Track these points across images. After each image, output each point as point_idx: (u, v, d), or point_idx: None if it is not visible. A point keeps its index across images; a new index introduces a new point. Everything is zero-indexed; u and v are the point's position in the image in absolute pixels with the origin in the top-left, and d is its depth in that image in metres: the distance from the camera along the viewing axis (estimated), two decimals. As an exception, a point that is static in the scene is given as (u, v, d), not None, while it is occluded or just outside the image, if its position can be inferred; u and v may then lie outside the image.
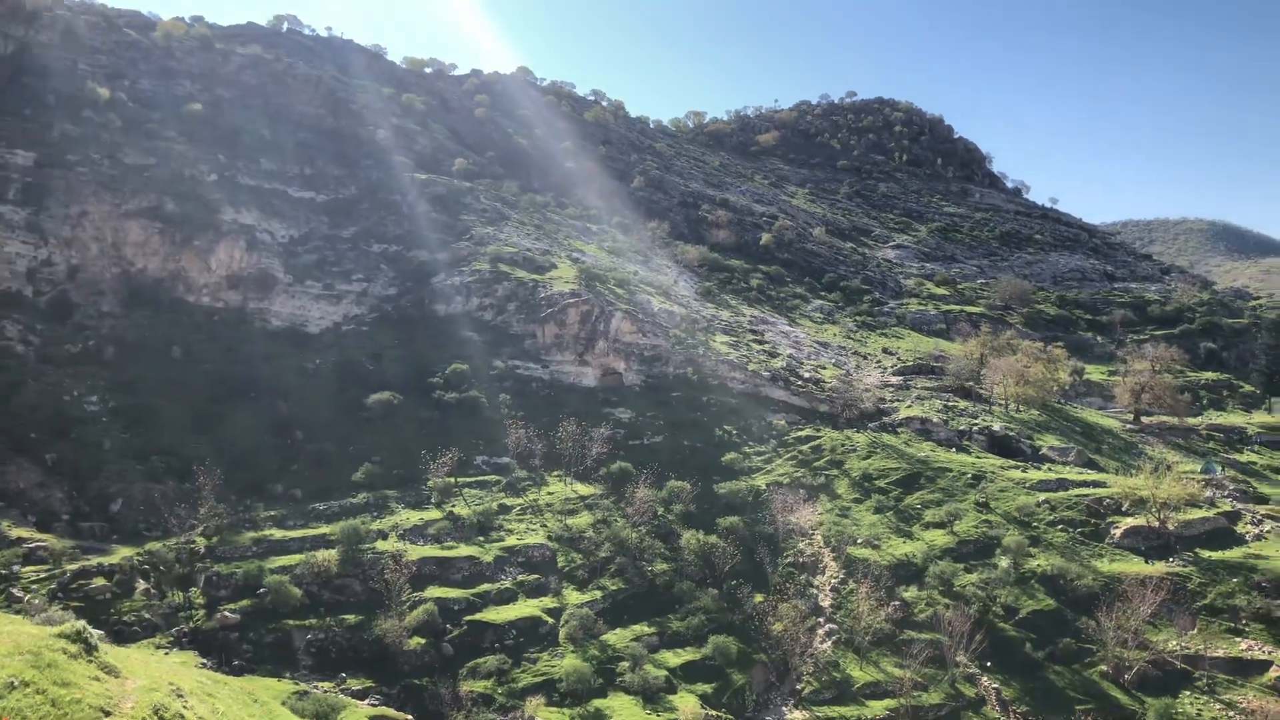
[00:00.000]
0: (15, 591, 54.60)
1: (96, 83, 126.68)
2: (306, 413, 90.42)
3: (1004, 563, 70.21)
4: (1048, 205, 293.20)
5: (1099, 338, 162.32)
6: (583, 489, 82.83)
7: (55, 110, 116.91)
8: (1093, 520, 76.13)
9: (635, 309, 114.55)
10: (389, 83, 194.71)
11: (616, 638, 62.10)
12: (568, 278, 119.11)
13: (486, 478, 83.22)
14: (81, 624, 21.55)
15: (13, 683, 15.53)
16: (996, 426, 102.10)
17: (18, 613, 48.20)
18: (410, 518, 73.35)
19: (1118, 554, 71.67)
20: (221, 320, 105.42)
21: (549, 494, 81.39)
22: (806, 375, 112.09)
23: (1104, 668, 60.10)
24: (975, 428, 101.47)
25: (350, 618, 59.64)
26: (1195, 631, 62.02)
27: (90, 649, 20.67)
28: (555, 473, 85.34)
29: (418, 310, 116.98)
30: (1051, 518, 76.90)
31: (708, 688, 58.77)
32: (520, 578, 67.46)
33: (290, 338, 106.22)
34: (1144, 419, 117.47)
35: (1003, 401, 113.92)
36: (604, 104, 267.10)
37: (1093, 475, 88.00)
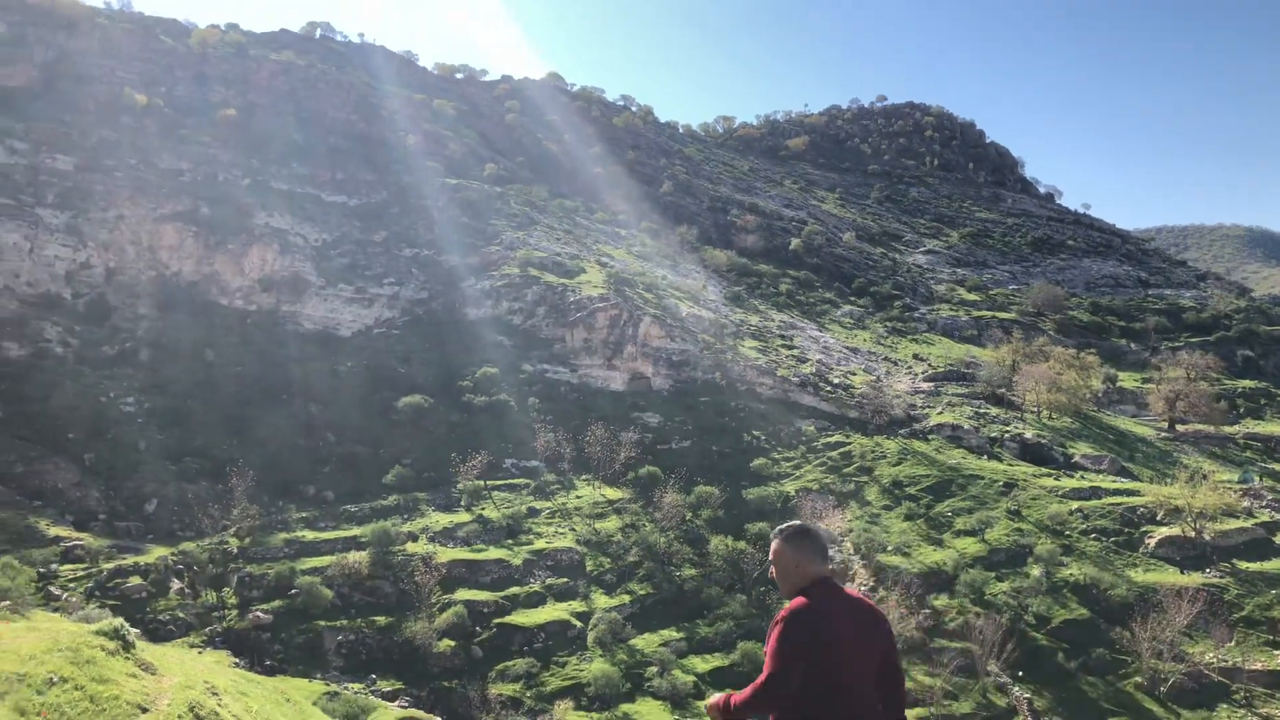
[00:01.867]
0: (53, 589, 55.36)
1: (133, 89, 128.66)
2: (338, 415, 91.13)
3: (1036, 571, 69.45)
4: (1080, 211, 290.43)
5: (1133, 345, 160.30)
6: (611, 493, 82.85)
7: (94, 116, 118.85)
8: (1127, 529, 75.17)
9: (663, 314, 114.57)
10: (420, 89, 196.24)
11: (645, 642, 62.01)
12: (596, 282, 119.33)
13: (515, 481, 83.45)
14: (119, 621, 21.81)
15: (52, 679, 15.71)
16: (1028, 434, 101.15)
17: (56, 610, 48.93)
18: (440, 520, 73.69)
19: (1152, 564, 70.71)
20: (254, 323, 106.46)
21: (577, 498, 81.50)
22: (836, 381, 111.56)
23: (1139, 679, 59.26)
24: (1007, 435, 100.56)
25: (381, 619, 59.98)
26: (1233, 644, 60.98)
27: (128, 646, 20.89)
28: (583, 476, 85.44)
29: (448, 314, 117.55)
30: (1084, 526, 76.02)
31: (736, 694, 58.51)
32: (549, 581, 67.54)
33: (322, 340, 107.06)
34: (1179, 427, 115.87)
35: (1035, 409, 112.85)
36: (633, 109, 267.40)
37: (1127, 484, 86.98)
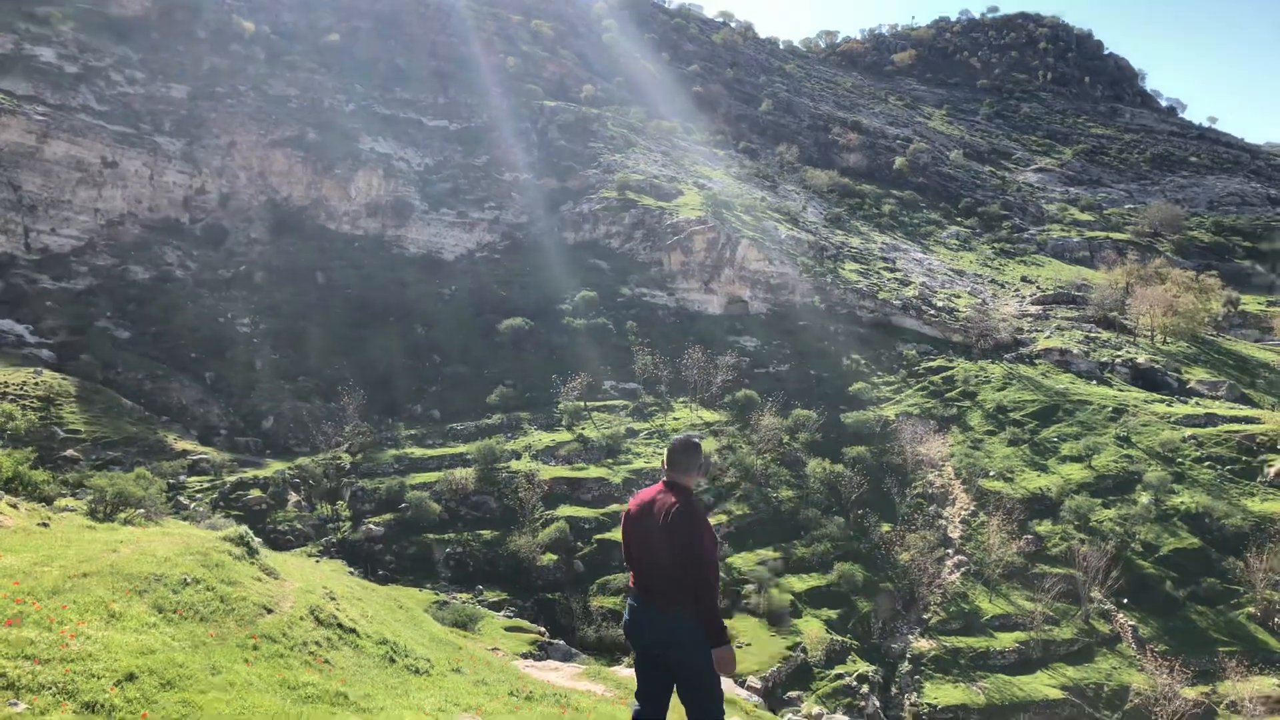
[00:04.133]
0: (182, 499, 58.64)
1: (241, 17, 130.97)
2: (443, 337, 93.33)
3: (1144, 499, 67.78)
4: (1205, 125, 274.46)
5: (1258, 266, 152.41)
6: (708, 415, 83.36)
7: (205, 44, 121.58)
8: (1244, 458, 72.50)
9: (762, 236, 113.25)
10: (518, 9, 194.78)
11: (742, 561, 62.85)
12: (694, 205, 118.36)
13: (614, 402, 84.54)
14: (244, 529, 23.05)
15: (186, 579, 16.79)
16: (1141, 359, 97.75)
17: (185, 518, 51.96)
18: (542, 439, 75.34)
19: (1271, 493, 68.23)
20: (361, 247, 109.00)
21: (675, 419, 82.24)
22: (940, 304, 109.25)
23: (1251, 610, 57.78)
24: (1118, 360, 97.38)
25: (486, 533, 62.02)
26: (1354, 576, 58.84)
27: (252, 553, 22.04)
28: (681, 399, 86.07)
29: (547, 238, 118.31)
30: (1198, 454, 73.59)
31: (833, 613, 59.12)
32: (647, 500, 68.41)
33: (426, 264, 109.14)
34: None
35: (1149, 333, 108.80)
36: (732, 25, 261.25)
37: (1245, 411, 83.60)
